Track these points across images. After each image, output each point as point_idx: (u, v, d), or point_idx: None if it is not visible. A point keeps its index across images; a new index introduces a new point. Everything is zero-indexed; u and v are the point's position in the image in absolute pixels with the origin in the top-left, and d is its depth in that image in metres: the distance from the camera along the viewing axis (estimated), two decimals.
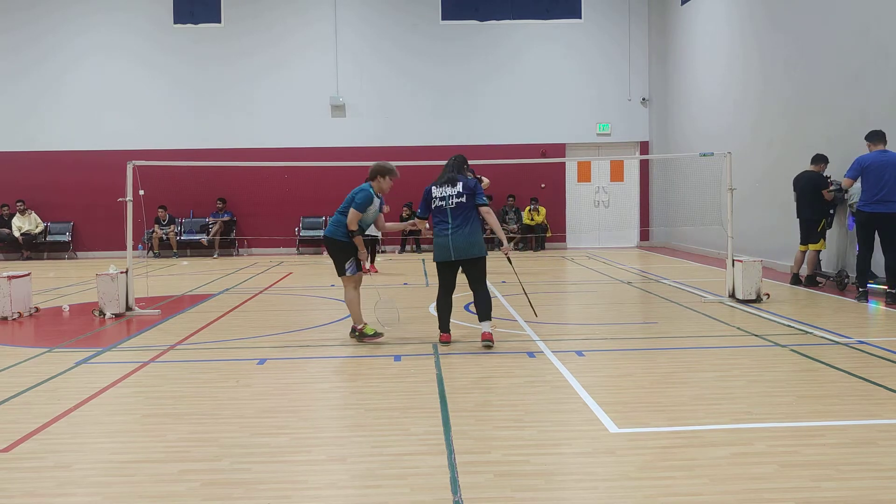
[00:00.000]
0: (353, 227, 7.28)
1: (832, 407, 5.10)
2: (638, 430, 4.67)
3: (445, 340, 7.26)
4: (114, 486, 3.90)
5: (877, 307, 9.20)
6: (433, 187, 7.31)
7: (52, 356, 7.08)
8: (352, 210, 7.26)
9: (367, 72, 19.72)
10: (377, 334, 7.40)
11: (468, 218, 7.13)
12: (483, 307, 7.16)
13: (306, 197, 19.43)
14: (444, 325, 7.35)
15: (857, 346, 6.95)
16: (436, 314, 7.47)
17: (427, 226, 7.74)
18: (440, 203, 7.20)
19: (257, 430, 4.77)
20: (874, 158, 9.46)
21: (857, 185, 9.72)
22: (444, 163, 7.54)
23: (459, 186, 7.17)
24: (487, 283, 7.41)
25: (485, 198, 7.35)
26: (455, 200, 7.13)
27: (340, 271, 7.45)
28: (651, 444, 4.41)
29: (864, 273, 9.60)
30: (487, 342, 7.03)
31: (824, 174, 10.94)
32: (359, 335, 7.40)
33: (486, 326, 7.13)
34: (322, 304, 10.51)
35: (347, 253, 7.38)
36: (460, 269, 7.29)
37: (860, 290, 9.60)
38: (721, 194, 11.85)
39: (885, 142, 9.58)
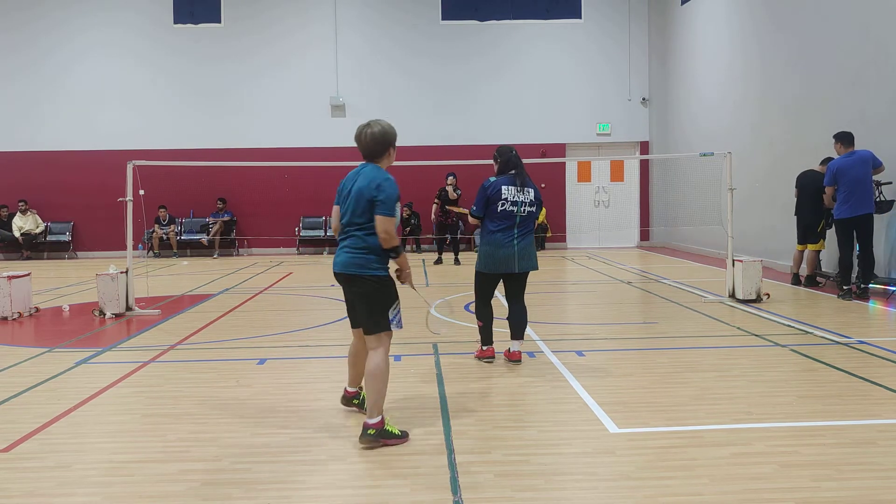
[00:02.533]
0: (395, 240, 4.56)
1: (832, 407, 5.11)
2: (638, 430, 4.67)
3: (491, 355, 6.58)
4: (114, 486, 3.90)
5: (873, 306, 9.21)
6: (503, 186, 6.29)
7: (52, 356, 7.08)
8: (381, 218, 4.46)
9: (368, 71, 19.73)
10: (404, 434, 4.53)
11: (531, 229, 6.45)
12: (521, 323, 6.53)
13: (306, 197, 19.44)
14: (490, 337, 6.63)
15: (857, 346, 6.95)
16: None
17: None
18: (511, 208, 6.27)
19: (257, 430, 4.77)
20: (842, 162, 9.59)
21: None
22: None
23: (532, 195, 6.38)
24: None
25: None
26: (527, 209, 6.34)
27: (378, 324, 4.54)
28: (651, 444, 4.41)
29: (847, 272, 9.80)
30: (517, 361, 6.50)
31: None
32: (375, 433, 4.41)
33: (516, 345, 6.56)
34: (322, 304, 10.49)
35: (390, 294, 4.60)
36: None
37: (844, 287, 9.80)
38: (721, 194, 11.86)
39: (852, 143, 9.71)
